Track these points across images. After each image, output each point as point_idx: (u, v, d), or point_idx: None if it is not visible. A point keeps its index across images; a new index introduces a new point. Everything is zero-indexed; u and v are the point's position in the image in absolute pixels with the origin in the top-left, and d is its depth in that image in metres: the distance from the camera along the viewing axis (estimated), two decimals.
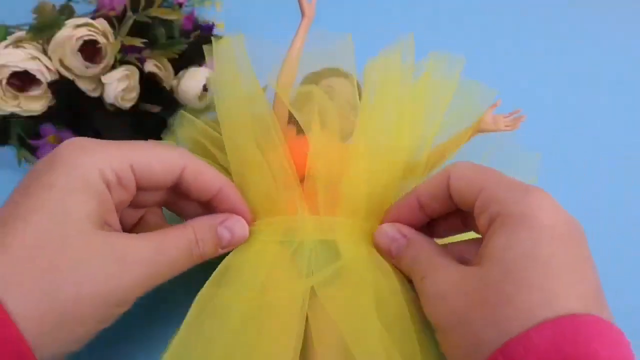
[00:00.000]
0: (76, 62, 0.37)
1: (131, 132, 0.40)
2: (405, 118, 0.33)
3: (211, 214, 0.30)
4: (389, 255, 0.30)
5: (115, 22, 0.40)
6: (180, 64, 0.41)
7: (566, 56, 0.54)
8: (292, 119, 0.33)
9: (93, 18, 0.39)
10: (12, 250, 0.22)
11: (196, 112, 0.40)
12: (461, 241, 0.31)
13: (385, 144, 0.32)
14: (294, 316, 0.27)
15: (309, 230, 0.30)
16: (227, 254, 0.30)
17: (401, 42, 0.34)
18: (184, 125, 0.35)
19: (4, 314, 0.21)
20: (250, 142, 0.31)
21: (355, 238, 0.31)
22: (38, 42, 0.38)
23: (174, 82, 0.41)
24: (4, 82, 0.37)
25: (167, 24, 0.42)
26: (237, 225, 0.30)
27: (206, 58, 0.35)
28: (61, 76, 0.38)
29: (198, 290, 0.27)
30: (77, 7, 0.42)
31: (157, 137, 0.36)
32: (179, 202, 0.31)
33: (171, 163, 0.28)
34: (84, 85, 0.39)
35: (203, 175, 0.29)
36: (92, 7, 0.45)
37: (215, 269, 0.29)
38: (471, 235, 0.31)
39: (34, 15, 0.39)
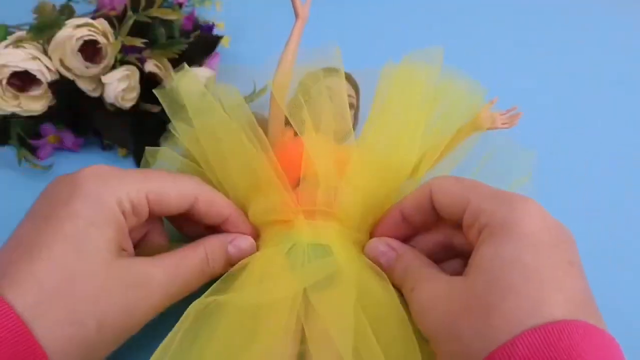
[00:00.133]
0: (76, 62, 0.37)
1: (131, 132, 0.40)
2: (415, 133, 0.32)
3: (217, 233, 0.31)
4: (379, 266, 0.30)
5: (116, 22, 0.40)
6: (180, 64, 0.41)
7: (566, 56, 0.54)
8: (288, 122, 0.33)
9: (93, 18, 0.39)
10: (40, 282, 0.23)
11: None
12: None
13: (390, 158, 0.32)
14: (288, 317, 0.27)
15: (303, 235, 0.30)
16: None
17: (428, 51, 0.34)
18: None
19: (37, 346, 0.22)
20: (241, 143, 0.31)
21: (348, 243, 0.31)
22: (38, 42, 0.38)
23: (174, 82, 0.41)
24: (4, 82, 0.37)
25: (167, 24, 0.42)
26: (246, 244, 0.31)
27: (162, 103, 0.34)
28: (61, 76, 0.38)
29: (193, 298, 0.28)
30: (77, 7, 0.42)
31: (157, 137, 0.36)
32: (183, 222, 0.32)
33: (185, 194, 0.29)
34: (84, 85, 0.39)
35: (214, 205, 0.30)
36: (92, 7, 0.45)
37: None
38: None
39: (34, 15, 0.39)
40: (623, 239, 0.40)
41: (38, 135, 0.40)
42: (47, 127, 0.39)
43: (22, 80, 0.37)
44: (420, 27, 0.55)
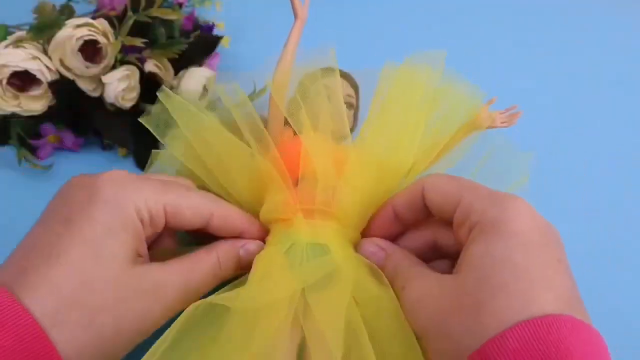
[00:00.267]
0: (76, 62, 0.37)
1: (131, 132, 0.40)
2: (414, 134, 0.32)
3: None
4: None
5: (116, 22, 0.40)
6: (180, 64, 0.41)
7: (565, 56, 0.54)
8: (287, 121, 0.33)
9: (93, 18, 0.39)
10: (58, 289, 0.23)
11: None
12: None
13: (389, 159, 0.32)
14: (286, 317, 0.27)
15: (302, 234, 0.30)
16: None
17: (431, 54, 0.34)
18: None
19: (54, 351, 0.22)
20: (239, 150, 0.31)
21: (345, 243, 0.31)
22: (38, 42, 0.38)
23: (174, 82, 0.41)
24: (5, 82, 0.37)
25: (167, 24, 0.42)
26: (256, 247, 0.31)
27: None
28: (61, 76, 0.38)
29: None
30: (77, 7, 0.42)
31: (157, 137, 0.36)
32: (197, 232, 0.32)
33: (201, 210, 0.29)
34: (84, 85, 0.39)
35: (229, 220, 0.30)
36: (92, 7, 0.45)
37: None
38: None
39: (34, 15, 0.39)
40: (622, 239, 0.40)
41: (38, 135, 0.40)
42: (47, 127, 0.39)
43: (22, 80, 0.37)
44: (419, 27, 0.55)
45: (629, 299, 0.36)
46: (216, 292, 0.29)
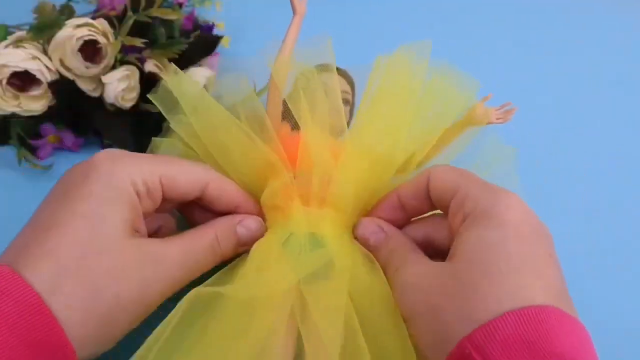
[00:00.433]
0: (76, 62, 0.37)
1: (131, 132, 0.40)
2: (403, 124, 0.33)
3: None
4: (368, 246, 0.31)
5: (116, 22, 0.40)
6: (180, 64, 0.41)
7: (566, 56, 0.54)
8: (285, 116, 0.33)
9: (93, 18, 0.39)
10: (56, 258, 0.24)
11: None
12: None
13: (379, 149, 0.32)
14: (283, 309, 0.27)
15: (300, 224, 0.30)
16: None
17: (417, 45, 0.34)
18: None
19: (52, 320, 0.23)
20: (242, 136, 0.32)
21: (341, 231, 0.31)
22: (38, 42, 0.38)
23: None
24: (5, 82, 0.37)
25: (167, 24, 0.42)
26: (255, 224, 0.31)
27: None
28: (61, 76, 0.38)
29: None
30: (77, 7, 0.42)
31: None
32: (195, 211, 0.32)
33: (197, 178, 0.30)
34: (84, 85, 0.39)
35: (225, 191, 0.31)
36: (92, 7, 0.45)
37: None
38: None
39: (34, 15, 0.39)
40: (622, 239, 0.40)
41: (38, 135, 0.40)
42: (47, 127, 0.39)
43: (22, 80, 0.37)
44: (420, 26, 0.55)
45: (629, 299, 0.36)
46: (215, 274, 0.29)
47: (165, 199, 0.29)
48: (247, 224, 0.31)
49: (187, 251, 0.28)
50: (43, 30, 0.38)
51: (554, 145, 0.45)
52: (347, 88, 0.37)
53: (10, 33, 0.39)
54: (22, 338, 0.22)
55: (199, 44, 0.43)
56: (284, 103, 0.33)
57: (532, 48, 0.54)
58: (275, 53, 0.33)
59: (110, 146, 0.41)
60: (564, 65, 0.52)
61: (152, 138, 0.35)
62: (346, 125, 0.33)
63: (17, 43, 0.37)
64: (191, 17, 0.46)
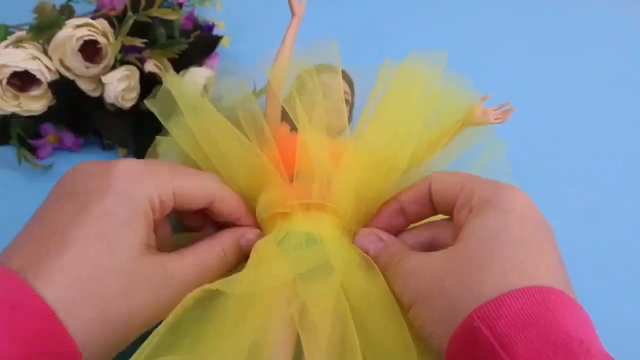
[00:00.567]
0: (76, 62, 0.37)
1: (131, 132, 0.40)
2: (411, 132, 0.33)
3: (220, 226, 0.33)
4: (367, 255, 0.31)
5: (116, 22, 0.40)
6: (180, 64, 0.41)
7: (566, 56, 0.54)
8: (284, 117, 0.33)
9: (93, 18, 0.39)
10: (72, 277, 0.24)
11: None
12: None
13: (384, 153, 0.32)
14: (279, 304, 0.27)
15: (297, 224, 0.31)
16: None
17: (432, 55, 0.34)
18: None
19: (68, 337, 0.23)
20: (238, 142, 0.32)
21: (340, 234, 0.31)
22: (38, 42, 0.38)
23: None
24: (5, 82, 0.37)
25: (167, 24, 0.42)
26: (256, 237, 0.31)
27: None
28: (61, 76, 0.38)
29: None
30: (77, 7, 0.42)
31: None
32: (188, 213, 0.32)
33: (207, 194, 0.30)
34: (84, 85, 0.39)
35: (230, 205, 0.31)
36: (92, 7, 0.45)
37: None
38: None
39: (34, 15, 0.39)
40: (623, 239, 0.40)
41: (38, 135, 0.40)
42: (47, 127, 0.39)
43: (22, 80, 0.37)
44: (420, 27, 0.55)
45: (630, 299, 0.36)
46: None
47: (174, 211, 0.30)
48: (250, 238, 0.31)
49: (198, 265, 0.29)
50: (43, 30, 0.38)
51: (554, 145, 0.45)
52: (347, 88, 0.37)
53: (10, 33, 0.39)
54: (37, 352, 0.22)
55: (199, 44, 0.43)
56: (284, 102, 0.33)
57: (533, 48, 0.54)
58: (274, 54, 0.33)
59: (110, 146, 0.41)
60: (564, 66, 0.52)
61: (156, 137, 0.35)
62: (347, 126, 0.33)
63: (17, 43, 0.37)
64: (191, 17, 0.46)
